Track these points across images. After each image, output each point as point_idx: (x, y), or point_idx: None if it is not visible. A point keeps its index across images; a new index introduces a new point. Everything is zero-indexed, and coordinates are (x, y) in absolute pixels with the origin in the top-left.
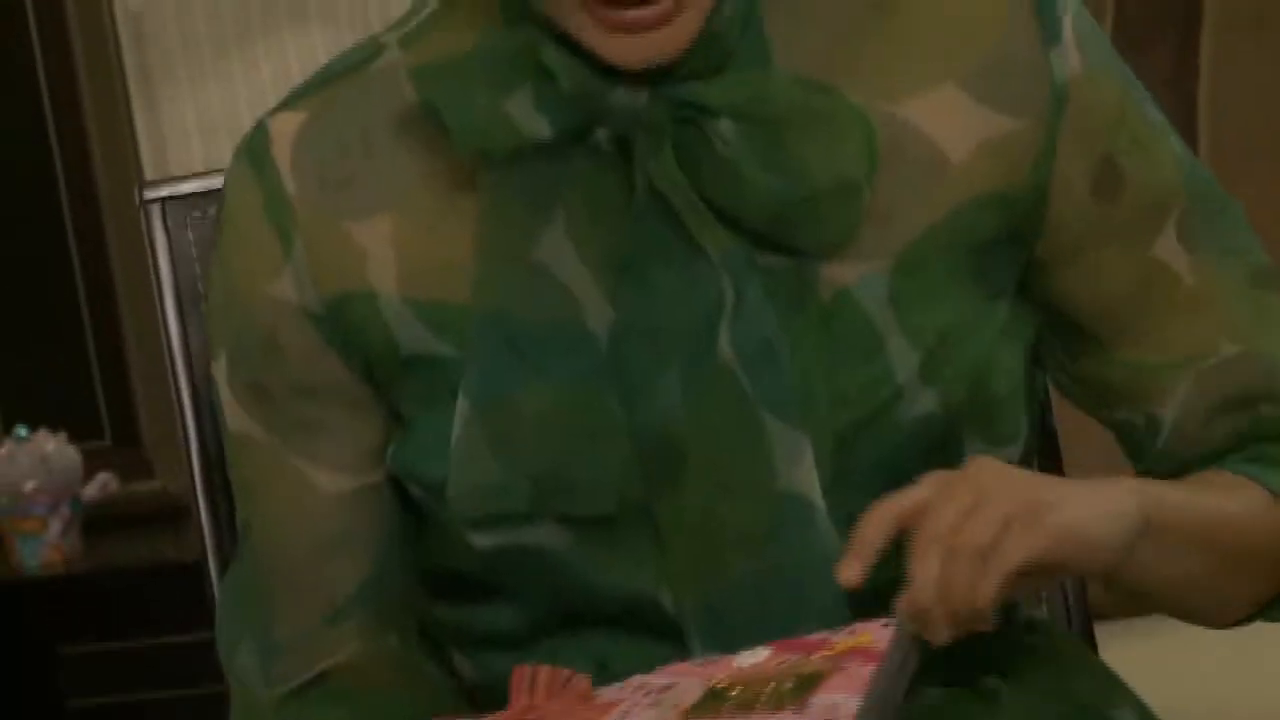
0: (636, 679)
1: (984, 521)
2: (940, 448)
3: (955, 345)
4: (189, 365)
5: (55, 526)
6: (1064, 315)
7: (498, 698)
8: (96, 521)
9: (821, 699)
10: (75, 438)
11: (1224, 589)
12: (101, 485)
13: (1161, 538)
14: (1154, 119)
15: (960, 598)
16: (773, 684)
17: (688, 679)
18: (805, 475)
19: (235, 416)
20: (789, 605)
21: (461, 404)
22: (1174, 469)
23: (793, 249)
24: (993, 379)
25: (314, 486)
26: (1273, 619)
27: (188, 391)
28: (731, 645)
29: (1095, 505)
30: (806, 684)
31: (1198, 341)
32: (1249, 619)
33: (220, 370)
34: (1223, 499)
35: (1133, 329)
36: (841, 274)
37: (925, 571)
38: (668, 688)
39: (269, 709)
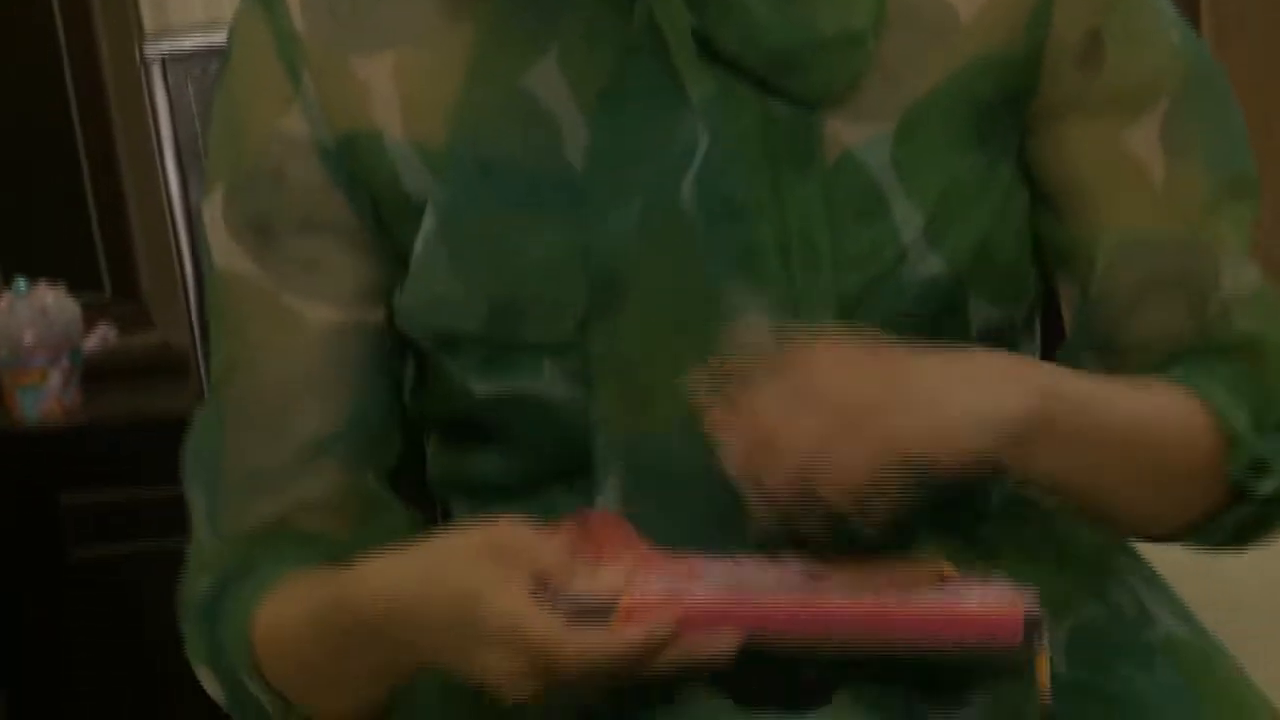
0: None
1: (798, 431)
2: (947, 309)
3: (960, 208)
4: (189, 218)
5: (55, 378)
6: (1033, 181)
7: None
8: (96, 373)
9: (995, 584)
10: (75, 290)
11: (1144, 503)
12: (101, 337)
13: (1064, 441)
14: (1158, 7)
15: (794, 496)
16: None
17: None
18: (760, 330)
19: (228, 253)
20: (712, 465)
21: (428, 220)
22: (1111, 354)
23: (796, 96)
24: (998, 241)
25: (303, 322)
26: (1201, 544)
27: (188, 245)
28: (647, 499)
29: (958, 405)
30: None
31: (1144, 223)
32: (1176, 538)
33: (214, 206)
34: (1150, 410)
35: (1089, 208)
36: (847, 134)
37: (734, 455)
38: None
39: (223, 555)
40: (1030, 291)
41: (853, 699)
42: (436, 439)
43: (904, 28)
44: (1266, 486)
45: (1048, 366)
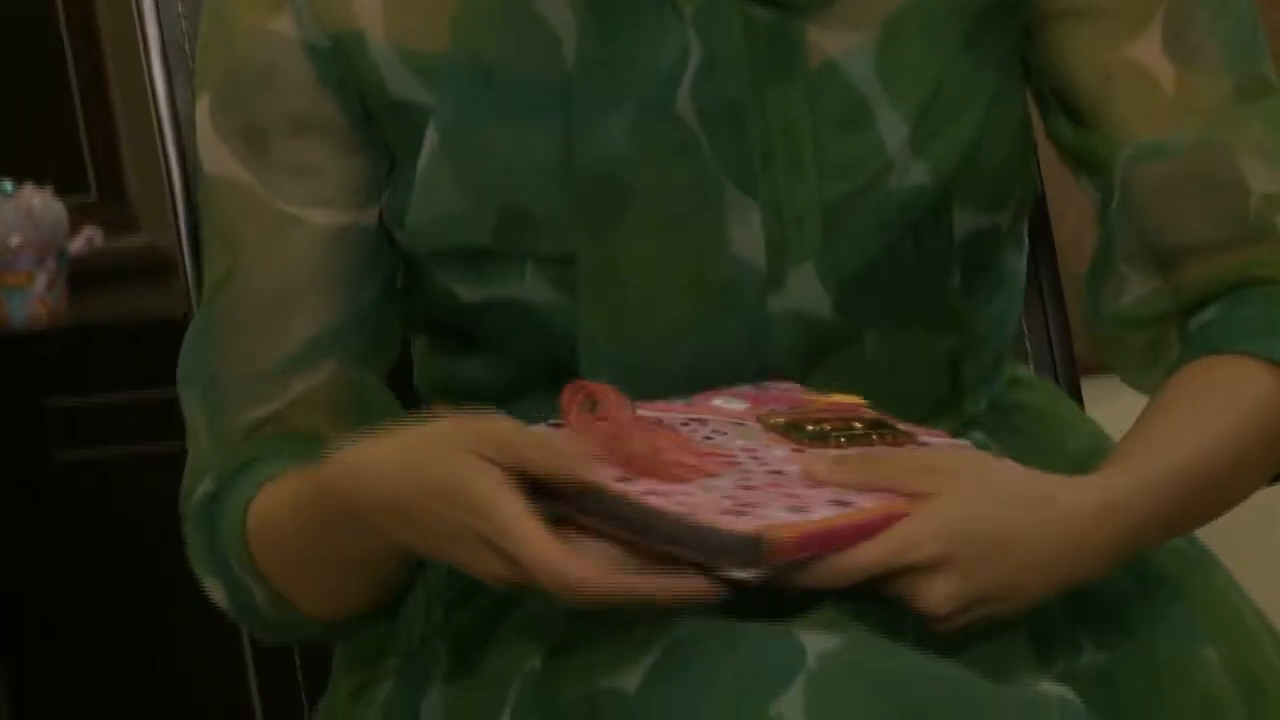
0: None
1: (964, 614)
2: (930, 216)
3: (945, 116)
4: (175, 121)
5: (41, 280)
6: (1037, 82)
7: None
8: (82, 276)
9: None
10: (61, 192)
11: (1237, 495)
12: (87, 239)
13: (1159, 522)
14: None
15: None
16: (855, 423)
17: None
18: (755, 242)
19: (218, 159)
20: (707, 375)
21: (431, 136)
22: (1149, 260)
23: (781, 2)
24: (985, 149)
25: (299, 226)
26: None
27: (174, 147)
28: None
29: (1063, 578)
30: (888, 429)
31: (1160, 131)
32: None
33: (203, 112)
34: (1216, 441)
35: (1097, 112)
36: (829, 42)
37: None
38: (703, 420)
39: (221, 457)
40: (1016, 197)
41: (837, 608)
42: (423, 343)
43: None
44: None
45: (1123, 499)
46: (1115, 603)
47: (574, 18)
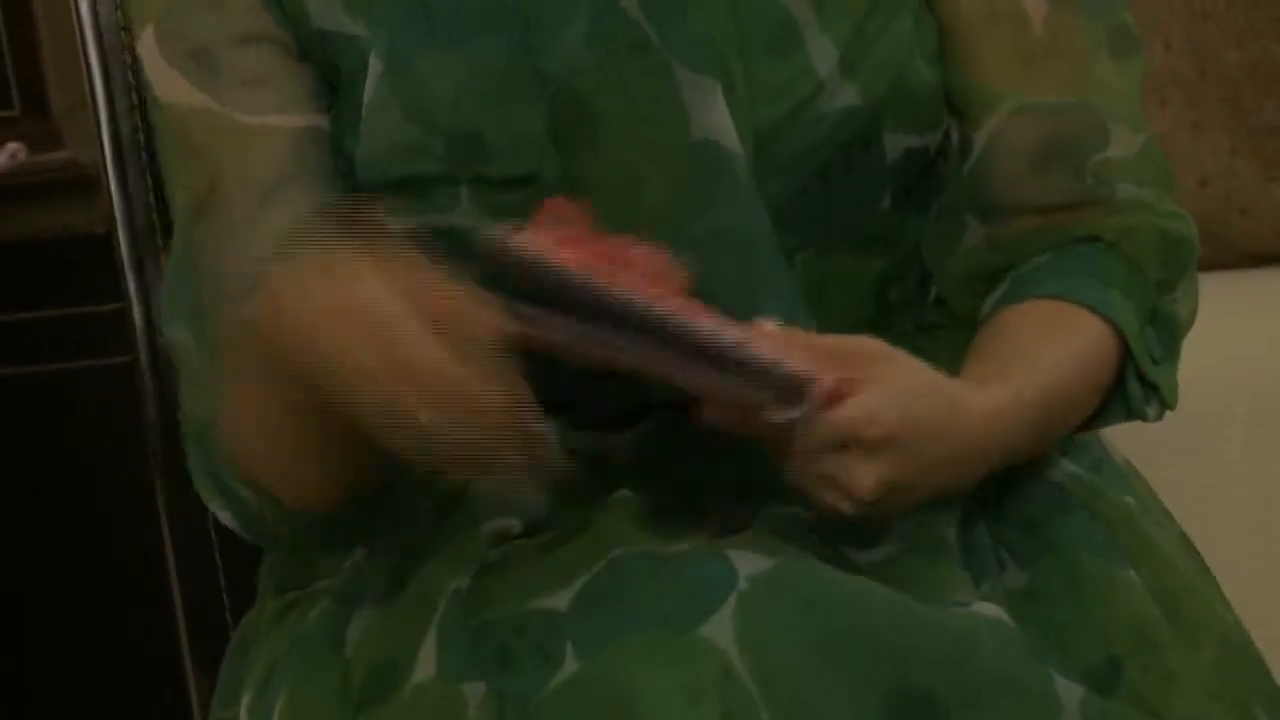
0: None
1: (870, 476)
2: (861, 140)
3: (874, 38)
4: (98, 35)
5: None
6: None
7: None
8: (6, 192)
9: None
10: None
11: (1065, 430)
12: (10, 154)
13: (1022, 439)
14: None
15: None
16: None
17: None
18: (720, 121)
19: (172, 87)
20: (718, 267)
21: (374, 67)
22: (994, 216)
23: None
24: (913, 70)
25: (266, 132)
26: (1096, 427)
27: (98, 62)
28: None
29: (959, 465)
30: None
31: (1029, 85)
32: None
33: (148, 44)
34: (1074, 370)
35: (971, 54)
36: None
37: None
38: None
39: (213, 362)
40: (942, 124)
41: (769, 530)
42: None
43: None
44: (1154, 414)
45: (1006, 410)
46: (1034, 522)
47: None
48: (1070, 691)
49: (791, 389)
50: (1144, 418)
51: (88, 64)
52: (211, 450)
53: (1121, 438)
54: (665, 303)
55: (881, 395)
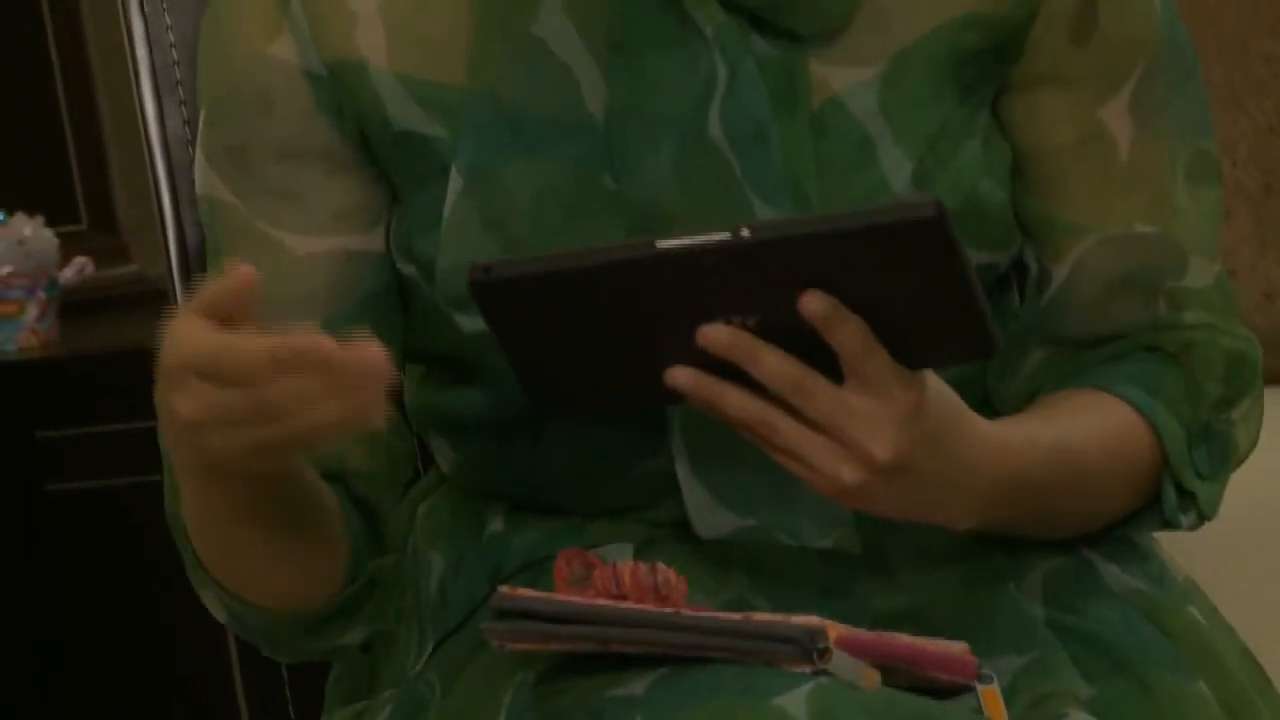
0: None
1: (889, 436)
2: None
3: (947, 154)
4: (165, 150)
5: (32, 310)
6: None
7: (473, 479)
8: (73, 306)
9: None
10: (52, 222)
11: (1084, 507)
12: (78, 269)
13: (1025, 511)
14: None
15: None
16: None
17: None
18: None
19: (208, 180)
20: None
21: (454, 180)
22: (1066, 347)
23: (787, 32)
24: (986, 188)
25: (283, 249)
26: (1129, 531)
27: (165, 176)
28: (713, 449)
29: (973, 514)
30: None
31: (1112, 215)
32: (1110, 530)
33: (200, 133)
34: (1082, 444)
35: (1056, 183)
36: (833, 79)
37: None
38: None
39: None
40: (1015, 242)
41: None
42: (418, 372)
43: None
44: (1188, 523)
45: (1015, 447)
46: (1101, 638)
47: (590, 57)
48: None
49: (804, 637)
50: (1178, 526)
51: (155, 178)
52: (186, 545)
53: (1180, 545)
54: (669, 606)
55: (918, 376)
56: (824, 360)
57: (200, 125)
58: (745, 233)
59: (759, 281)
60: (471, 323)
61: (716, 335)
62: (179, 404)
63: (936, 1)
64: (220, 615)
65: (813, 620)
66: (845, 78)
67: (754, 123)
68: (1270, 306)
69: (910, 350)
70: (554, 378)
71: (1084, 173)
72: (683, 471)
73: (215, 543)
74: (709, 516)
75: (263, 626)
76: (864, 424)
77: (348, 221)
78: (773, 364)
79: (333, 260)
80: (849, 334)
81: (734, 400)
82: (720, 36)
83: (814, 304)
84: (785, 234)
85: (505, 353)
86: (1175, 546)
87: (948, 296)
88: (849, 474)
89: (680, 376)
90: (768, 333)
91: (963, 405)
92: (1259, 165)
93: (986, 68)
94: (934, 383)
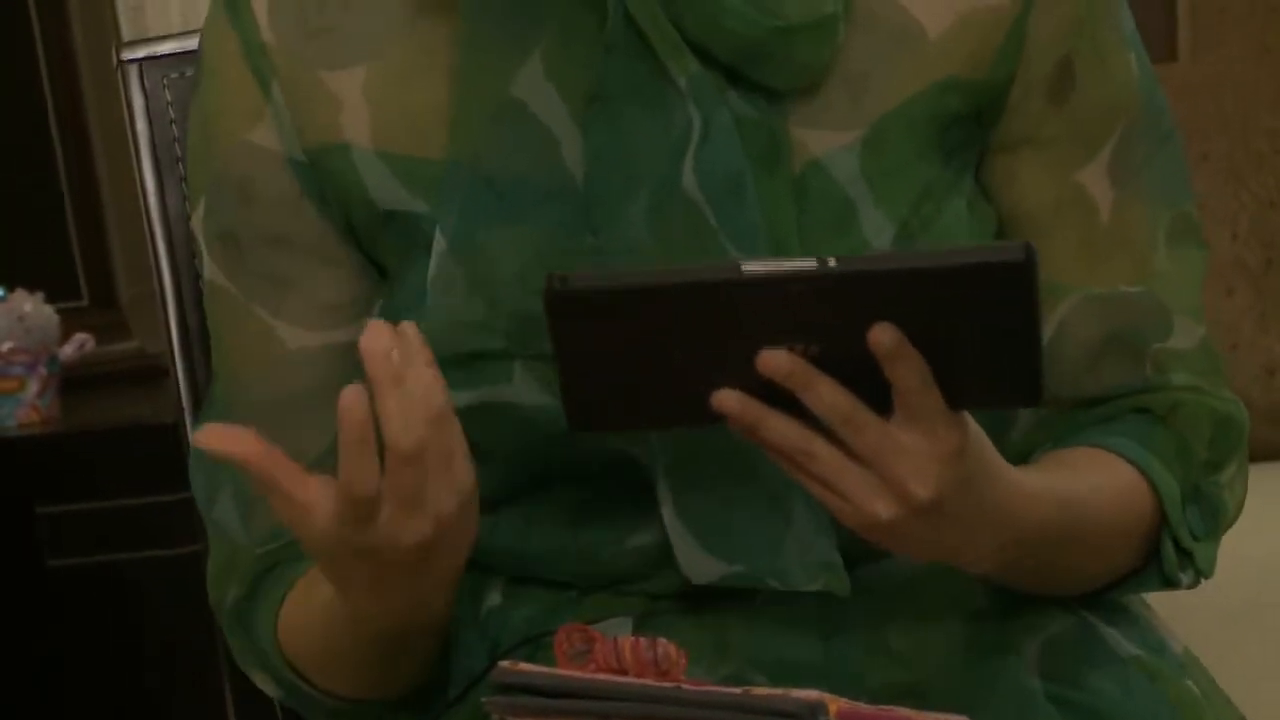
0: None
1: (933, 473)
2: None
3: (930, 214)
4: (166, 226)
5: (33, 386)
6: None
7: (469, 554)
8: (74, 382)
9: None
10: (52, 298)
11: (1086, 577)
12: (79, 345)
13: (1043, 539)
14: (1123, 27)
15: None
16: None
17: None
18: None
19: (208, 265)
20: (759, 454)
21: (438, 244)
22: (1055, 399)
23: (763, 87)
24: None
25: (278, 341)
26: (1130, 590)
27: (165, 252)
28: (698, 498)
29: (988, 560)
30: None
31: (1095, 277)
32: (1102, 591)
33: (197, 217)
34: (1090, 498)
35: (1038, 246)
36: (813, 143)
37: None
38: None
39: (251, 560)
40: None
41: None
42: None
43: (867, 33)
44: (1187, 581)
45: (1039, 495)
46: (1100, 709)
47: (568, 116)
48: None
49: (805, 711)
50: (1178, 585)
51: (155, 255)
52: (253, 633)
53: (1179, 618)
54: (670, 681)
55: (962, 417)
56: (869, 393)
57: (199, 210)
58: (832, 263)
59: (829, 312)
60: (457, 395)
61: (777, 362)
62: (406, 526)
63: (917, 65)
64: (275, 693)
65: (812, 694)
66: (826, 142)
67: (729, 175)
68: (1271, 381)
69: (959, 390)
70: (599, 392)
71: (1065, 235)
72: (669, 518)
73: (332, 661)
74: (697, 565)
75: (332, 707)
76: (909, 461)
77: (338, 315)
78: (826, 395)
79: (330, 355)
80: (909, 369)
81: (777, 426)
82: (695, 88)
83: (883, 337)
84: (872, 268)
85: (558, 362)
86: (1174, 619)
87: (1012, 341)
88: (884, 509)
89: (728, 400)
90: (821, 362)
91: (995, 451)
92: (1260, 240)
93: (969, 132)
94: (972, 426)
